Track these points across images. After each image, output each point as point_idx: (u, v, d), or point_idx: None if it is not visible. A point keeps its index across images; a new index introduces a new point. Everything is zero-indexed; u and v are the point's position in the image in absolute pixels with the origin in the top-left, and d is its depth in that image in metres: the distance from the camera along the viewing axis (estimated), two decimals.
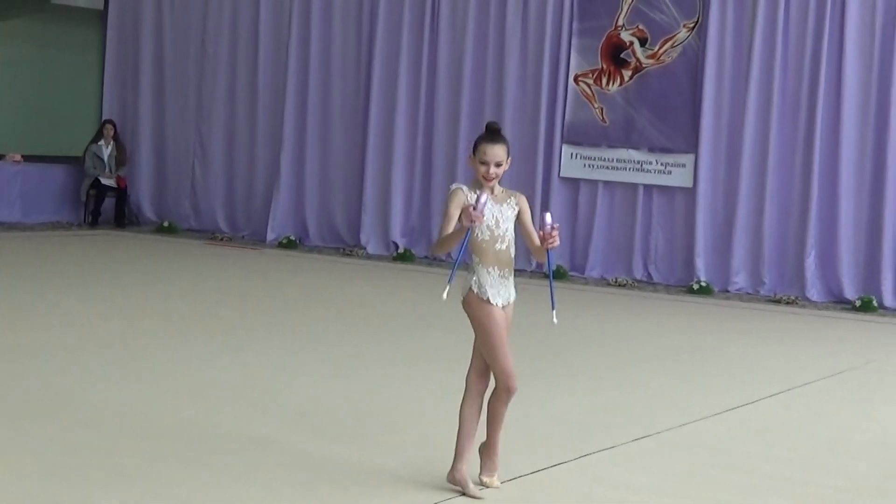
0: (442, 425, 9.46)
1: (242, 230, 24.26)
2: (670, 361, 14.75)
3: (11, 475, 8.17)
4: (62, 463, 8.59)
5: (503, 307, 8.36)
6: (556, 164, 22.02)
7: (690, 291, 20.70)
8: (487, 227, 8.26)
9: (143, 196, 25.13)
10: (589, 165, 21.85)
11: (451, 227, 8.20)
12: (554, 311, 8.78)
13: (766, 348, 16.05)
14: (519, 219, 8.45)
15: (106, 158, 24.48)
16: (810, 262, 20.44)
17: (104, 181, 24.54)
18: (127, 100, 25.37)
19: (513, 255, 8.42)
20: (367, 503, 8.12)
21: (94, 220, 24.59)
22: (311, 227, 23.71)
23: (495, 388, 8.41)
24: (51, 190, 24.76)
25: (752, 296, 20.61)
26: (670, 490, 9.35)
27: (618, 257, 21.72)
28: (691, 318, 18.30)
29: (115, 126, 24.77)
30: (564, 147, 21.99)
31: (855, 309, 19.81)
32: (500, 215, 8.32)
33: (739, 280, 20.89)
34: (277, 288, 18.66)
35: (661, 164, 21.38)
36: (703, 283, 20.75)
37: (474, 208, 7.95)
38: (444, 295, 8.30)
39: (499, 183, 8.39)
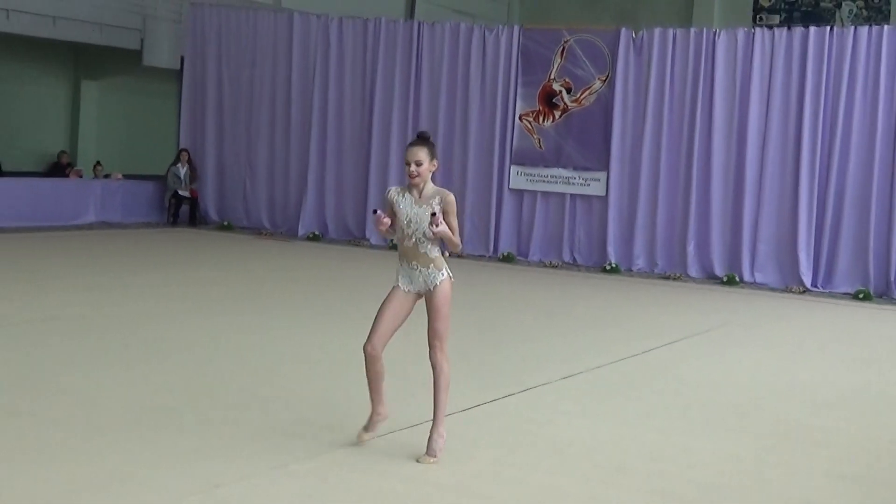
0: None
1: (280, 227, 24.18)
2: (589, 321, 14.74)
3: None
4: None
5: (407, 291, 7.62)
6: (507, 179, 21.99)
7: (604, 271, 20.68)
8: (400, 227, 7.52)
9: (209, 203, 25.02)
10: (530, 180, 21.81)
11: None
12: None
13: (658, 312, 16.05)
14: (445, 217, 7.45)
15: (182, 176, 24.38)
16: (690, 249, 20.49)
17: (181, 193, 24.46)
18: (196, 133, 25.24)
19: (424, 251, 7.56)
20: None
21: (174, 221, 24.51)
22: (330, 225, 23.66)
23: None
24: (143, 199, 24.69)
25: (648, 274, 20.61)
26: (591, 413, 9.34)
27: (551, 246, 21.70)
28: (604, 290, 18.29)
29: (188, 153, 24.68)
30: (512, 167, 21.95)
31: (722, 283, 19.84)
32: (413, 216, 7.48)
33: (639, 262, 20.90)
34: (306, 269, 18.59)
35: (583, 179, 21.35)
36: (613, 265, 20.73)
37: (376, 215, 7.41)
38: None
39: (433, 183, 7.57)
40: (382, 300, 7.70)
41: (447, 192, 7.59)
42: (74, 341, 11.14)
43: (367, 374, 7.74)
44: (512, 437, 8.45)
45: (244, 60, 24.63)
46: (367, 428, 7.88)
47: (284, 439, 7.91)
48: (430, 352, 7.71)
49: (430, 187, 7.54)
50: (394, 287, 7.68)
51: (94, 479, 6.82)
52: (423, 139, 7.56)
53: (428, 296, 7.66)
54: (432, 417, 7.79)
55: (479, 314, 14.61)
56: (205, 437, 7.84)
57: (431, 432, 7.71)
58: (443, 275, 7.67)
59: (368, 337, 7.60)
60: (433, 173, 7.57)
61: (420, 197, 7.53)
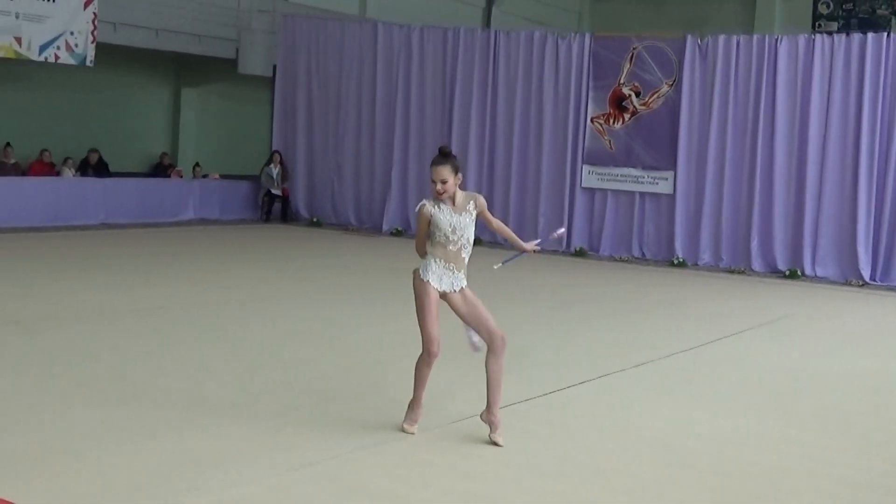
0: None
1: (366, 223, 24.23)
2: (659, 312, 14.61)
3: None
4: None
5: (441, 290, 7.52)
6: (579, 178, 21.85)
7: (671, 265, 20.50)
8: (445, 234, 7.46)
9: (300, 201, 25.12)
10: (601, 179, 21.66)
11: (423, 238, 7.60)
12: (502, 264, 8.16)
13: (724, 304, 15.88)
14: (481, 215, 7.61)
15: (275, 176, 24.50)
16: (754, 244, 20.25)
17: (274, 191, 24.58)
18: (288, 136, 25.35)
19: (463, 256, 7.54)
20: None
21: (267, 217, 24.64)
22: (412, 221, 23.65)
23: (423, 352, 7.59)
24: (239, 197, 24.86)
25: (713, 268, 20.39)
26: (662, 399, 9.26)
27: (621, 241, 21.55)
28: (672, 283, 18.12)
29: (280, 154, 24.80)
30: (584, 166, 21.81)
31: (784, 277, 19.59)
32: (457, 224, 7.48)
33: (705, 257, 20.68)
34: (391, 261, 18.61)
35: (651, 178, 21.18)
36: (680, 259, 20.54)
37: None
38: (496, 266, 8.19)
39: (462, 189, 7.59)
40: (419, 298, 7.55)
41: (476, 194, 7.64)
42: (178, 329, 11.22)
43: (424, 374, 7.70)
44: (586, 421, 8.38)
45: (332, 68, 24.70)
46: (413, 421, 7.77)
47: (376, 422, 7.89)
48: (491, 339, 7.64)
49: (460, 195, 7.55)
50: (425, 284, 7.55)
51: (194, 455, 6.85)
52: (444, 156, 7.52)
53: (454, 296, 7.60)
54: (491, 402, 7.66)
55: (554, 305, 14.55)
56: (300, 419, 7.85)
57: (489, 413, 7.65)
58: (465, 280, 7.64)
59: (431, 337, 7.52)
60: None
61: (455, 205, 7.52)
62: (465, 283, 7.63)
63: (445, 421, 8.03)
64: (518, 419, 8.23)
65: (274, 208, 24.79)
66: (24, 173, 21.90)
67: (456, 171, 7.50)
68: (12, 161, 21.91)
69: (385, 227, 23.65)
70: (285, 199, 24.83)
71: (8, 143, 21.98)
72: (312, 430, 7.61)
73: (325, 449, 7.17)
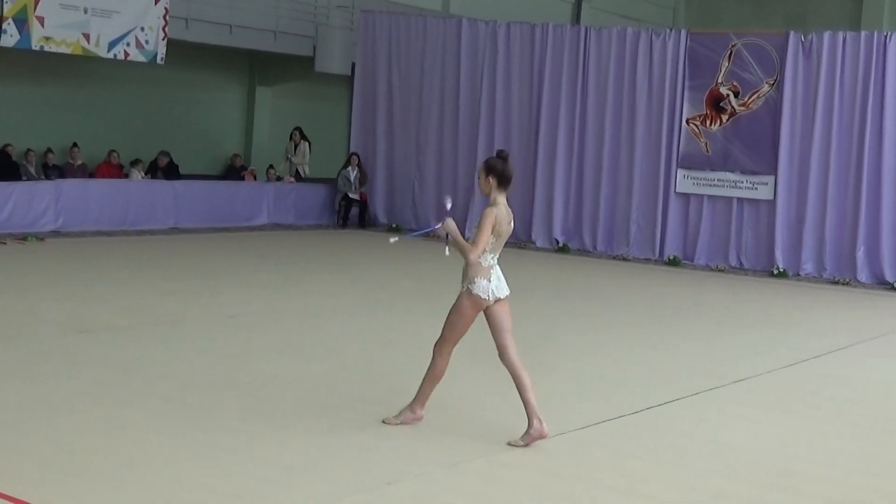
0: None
1: None
2: (757, 325, 14.46)
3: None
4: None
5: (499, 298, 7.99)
6: (673, 182, 21.72)
7: (771, 275, 20.28)
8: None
9: (378, 206, 25.22)
10: (697, 183, 21.50)
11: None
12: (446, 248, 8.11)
13: (828, 317, 15.71)
14: None
15: (352, 179, 24.61)
16: (860, 253, 20.00)
17: (351, 196, 24.70)
18: (367, 138, 25.46)
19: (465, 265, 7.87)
20: None
21: (343, 223, 24.77)
22: None
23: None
24: (314, 202, 25.00)
25: (816, 279, 20.15)
26: (761, 417, 9.17)
27: (718, 250, 21.36)
28: (772, 294, 17.94)
29: (358, 157, 24.91)
30: (679, 170, 21.67)
31: (893, 289, 19.31)
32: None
33: (808, 267, 20.44)
34: None
35: (750, 183, 20.98)
36: (781, 269, 20.32)
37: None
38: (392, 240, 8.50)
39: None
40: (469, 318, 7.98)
41: (490, 206, 7.86)
42: (248, 337, 11.32)
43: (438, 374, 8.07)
44: (682, 440, 8.32)
45: (413, 66, 24.78)
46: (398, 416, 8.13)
47: (455, 438, 7.90)
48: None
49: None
50: (481, 300, 7.90)
51: (267, 471, 6.90)
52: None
53: (502, 302, 7.98)
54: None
55: (645, 318, 14.47)
56: (377, 434, 7.88)
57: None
58: (463, 286, 7.86)
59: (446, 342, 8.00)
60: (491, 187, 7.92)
61: None
62: (463, 287, 7.94)
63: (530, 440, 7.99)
64: (608, 438, 8.19)
65: (351, 213, 24.90)
66: (91, 175, 22.20)
67: (478, 174, 8.00)
68: (79, 162, 22.23)
69: (467, 234, 23.58)
70: (363, 204, 24.93)
71: (75, 144, 22.31)
72: (395, 444, 7.63)
73: (411, 466, 7.18)
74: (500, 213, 7.82)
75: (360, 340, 11.46)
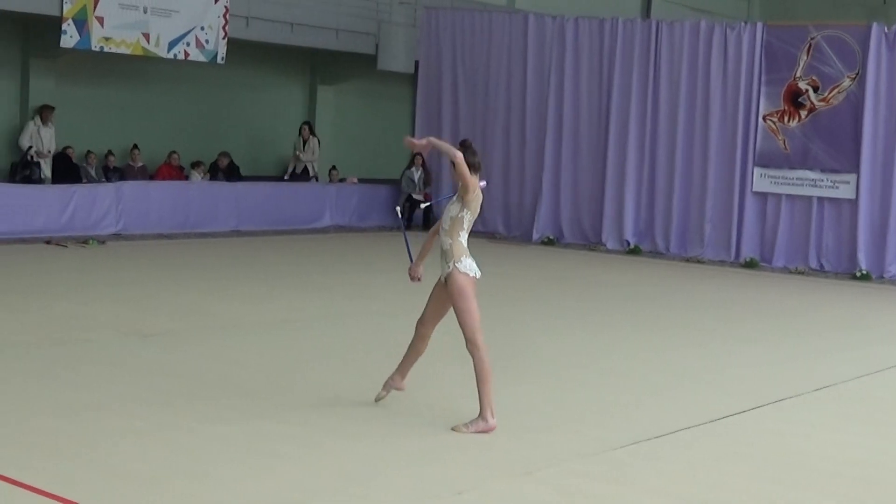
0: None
1: (514, 231, 24.21)
2: (840, 330, 14.33)
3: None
4: None
5: (442, 280, 8.44)
6: (750, 181, 21.54)
7: (853, 278, 20.07)
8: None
9: (444, 207, 25.16)
10: (775, 182, 21.31)
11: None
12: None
13: None
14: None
15: (416, 180, 24.65)
16: None
17: (415, 196, 24.71)
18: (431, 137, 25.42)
19: (441, 246, 8.39)
20: None
21: (408, 224, 24.75)
22: (565, 229, 23.59)
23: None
24: (377, 203, 25.05)
25: None
26: (844, 427, 9.07)
27: (797, 251, 21.16)
28: (855, 298, 17.75)
29: (423, 157, 24.91)
30: (756, 169, 21.50)
31: None
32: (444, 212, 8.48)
33: (892, 269, 20.25)
34: (541, 271, 18.59)
35: (831, 182, 20.78)
36: (864, 272, 20.10)
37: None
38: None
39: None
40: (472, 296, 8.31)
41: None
42: (304, 342, 11.37)
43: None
44: (760, 450, 8.23)
45: (479, 63, 24.78)
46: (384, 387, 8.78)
47: (524, 446, 7.87)
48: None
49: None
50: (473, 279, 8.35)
51: (329, 481, 6.91)
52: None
53: (445, 287, 8.37)
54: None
55: (721, 322, 14.36)
56: (445, 441, 7.87)
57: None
58: (449, 266, 8.28)
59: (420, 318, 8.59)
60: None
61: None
62: (448, 269, 8.34)
63: (600, 449, 7.95)
64: (682, 448, 8.13)
65: (415, 215, 24.91)
66: (151, 177, 22.38)
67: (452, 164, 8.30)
68: (139, 164, 22.42)
69: (535, 236, 23.60)
70: (427, 205, 24.94)
71: (135, 145, 22.49)
72: (464, 453, 7.62)
73: (481, 475, 7.17)
74: (479, 193, 8.34)
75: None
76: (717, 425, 8.88)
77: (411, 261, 8.96)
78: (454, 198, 8.43)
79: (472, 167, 8.29)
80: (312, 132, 24.92)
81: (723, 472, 7.62)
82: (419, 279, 8.89)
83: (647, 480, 7.31)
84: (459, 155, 8.21)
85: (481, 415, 8.17)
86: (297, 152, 24.84)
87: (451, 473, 7.18)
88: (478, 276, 8.35)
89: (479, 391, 8.20)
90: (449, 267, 8.28)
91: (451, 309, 8.36)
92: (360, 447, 7.64)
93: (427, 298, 8.61)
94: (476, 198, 8.34)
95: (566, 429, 8.41)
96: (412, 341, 8.69)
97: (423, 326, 8.60)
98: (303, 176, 24.64)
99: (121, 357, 10.18)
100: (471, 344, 8.22)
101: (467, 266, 8.27)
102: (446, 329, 8.89)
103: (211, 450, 7.39)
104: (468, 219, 8.36)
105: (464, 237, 8.35)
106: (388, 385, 8.76)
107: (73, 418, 7.97)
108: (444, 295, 8.38)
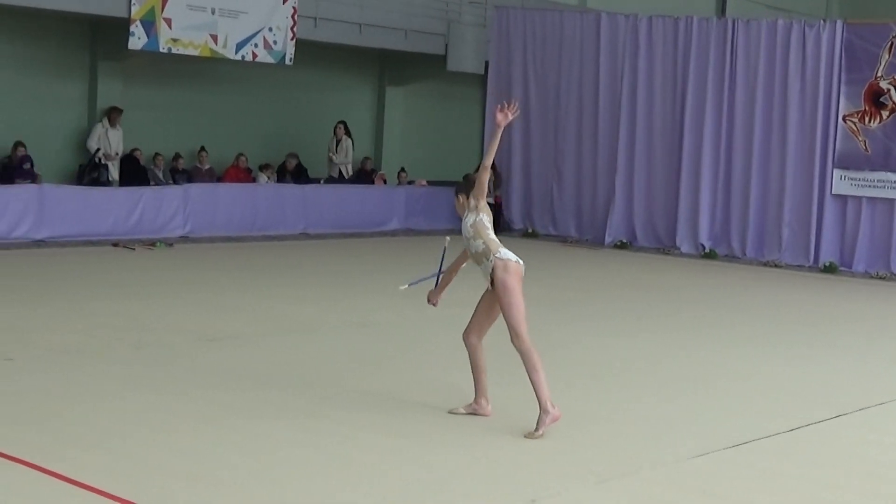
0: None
1: (587, 235, 24.13)
2: None
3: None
4: None
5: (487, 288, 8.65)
6: (829, 183, 21.32)
7: None
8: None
9: (514, 209, 25.22)
10: (855, 185, 21.07)
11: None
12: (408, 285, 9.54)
13: None
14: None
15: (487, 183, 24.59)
16: None
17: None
18: (502, 139, 25.34)
19: (474, 251, 8.69)
20: None
21: None
22: (639, 232, 23.49)
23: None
24: (447, 205, 24.94)
25: None
26: None
27: (878, 256, 20.89)
28: None
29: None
30: (835, 171, 21.27)
31: None
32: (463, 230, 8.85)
33: None
34: (614, 275, 18.52)
35: None
36: None
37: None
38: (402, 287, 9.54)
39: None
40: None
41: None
42: (378, 346, 11.40)
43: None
44: (842, 461, 8.15)
45: (550, 63, 24.74)
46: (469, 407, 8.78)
47: (600, 454, 7.84)
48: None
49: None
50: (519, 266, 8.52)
51: (404, 486, 6.92)
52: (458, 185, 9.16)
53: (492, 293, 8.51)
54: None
55: (800, 328, 14.23)
56: (518, 448, 7.86)
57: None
58: (490, 262, 8.47)
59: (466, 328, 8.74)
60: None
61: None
62: (489, 266, 8.53)
63: (675, 458, 7.91)
64: (760, 457, 8.07)
65: None
66: (219, 179, 22.56)
67: (457, 195, 9.16)
68: (207, 166, 22.60)
69: (608, 240, 23.52)
70: (498, 207, 24.92)
71: (202, 147, 22.69)
72: (538, 460, 7.60)
73: (555, 482, 7.15)
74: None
75: (497, 351, 11.42)
76: (798, 434, 8.79)
77: (436, 284, 9.24)
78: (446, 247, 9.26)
79: (472, 193, 8.97)
80: (347, 132, 24.51)
81: (811, 480, 7.55)
82: (435, 304, 9.18)
83: (727, 489, 7.26)
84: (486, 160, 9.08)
85: (542, 408, 8.21)
86: (330, 154, 24.51)
87: (523, 481, 7.16)
88: (521, 263, 8.50)
89: (532, 384, 8.27)
90: (490, 261, 8.45)
91: (501, 315, 8.48)
92: (436, 454, 7.64)
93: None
94: (486, 207, 8.89)
95: (640, 437, 8.36)
96: (470, 359, 8.72)
97: (469, 336, 8.70)
98: (340, 179, 24.35)
99: (187, 361, 10.26)
100: (515, 337, 8.30)
101: (506, 254, 8.46)
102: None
103: (284, 456, 7.42)
104: (487, 220, 8.72)
105: (492, 234, 8.66)
106: (472, 408, 8.75)
107: (137, 422, 8.03)
108: (492, 301, 8.52)
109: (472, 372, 8.72)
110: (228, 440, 7.70)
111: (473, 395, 8.75)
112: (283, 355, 10.76)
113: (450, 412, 8.72)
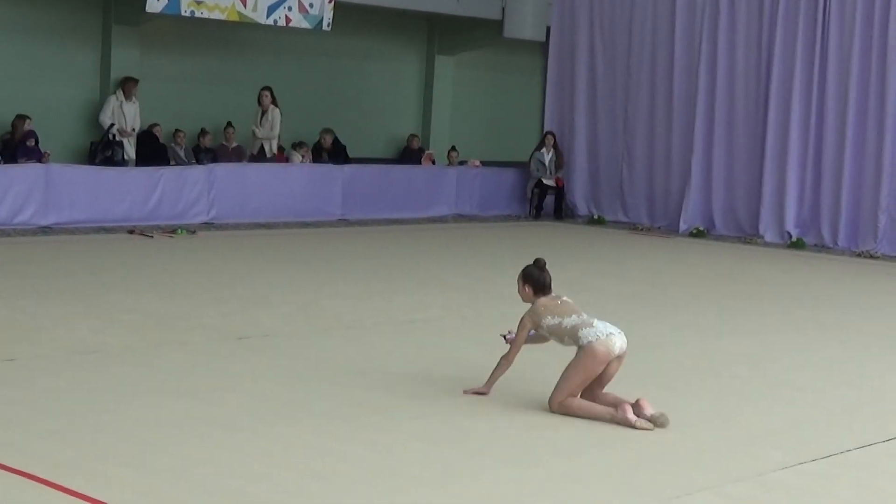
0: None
1: (660, 222, 24.06)
2: None
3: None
4: None
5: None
6: None
7: None
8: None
9: (578, 194, 25.18)
10: None
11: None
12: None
13: None
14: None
15: (547, 163, 24.62)
16: None
17: (546, 181, 24.69)
18: (564, 114, 25.44)
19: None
20: None
21: (537, 213, 24.78)
22: (718, 219, 23.41)
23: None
24: (503, 189, 25.07)
25: None
26: None
27: None
28: None
29: (554, 136, 24.90)
30: None
31: None
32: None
33: None
34: (691, 267, 18.44)
35: None
36: None
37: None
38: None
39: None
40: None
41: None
42: (431, 345, 11.41)
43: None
44: None
45: (620, 31, 24.67)
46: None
47: (673, 468, 7.80)
48: None
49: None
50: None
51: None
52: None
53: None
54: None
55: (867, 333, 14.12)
56: (585, 460, 7.83)
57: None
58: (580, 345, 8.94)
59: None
60: None
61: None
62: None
63: (751, 474, 7.87)
64: (851, 469, 8.03)
65: (545, 202, 24.88)
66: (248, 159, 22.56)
67: (522, 283, 9.48)
68: (234, 144, 22.64)
69: (683, 227, 23.44)
70: (560, 191, 24.89)
71: (229, 123, 22.72)
72: (601, 475, 7.59)
73: (625, 499, 7.13)
74: (538, 304, 9.20)
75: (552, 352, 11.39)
76: (891, 445, 8.74)
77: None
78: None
79: (540, 289, 9.33)
80: (274, 101, 22.59)
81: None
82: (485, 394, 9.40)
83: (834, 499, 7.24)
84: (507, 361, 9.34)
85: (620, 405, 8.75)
86: (253, 127, 22.74)
87: (587, 499, 7.14)
88: (613, 336, 8.90)
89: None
90: (579, 345, 8.95)
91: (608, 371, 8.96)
92: (490, 469, 7.63)
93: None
94: (539, 316, 9.15)
95: (718, 450, 8.31)
96: (583, 414, 8.90)
97: (560, 398, 8.99)
98: (259, 157, 22.72)
99: (224, 362, 10.27)
100: (552, 399, 8.94)
101: (586, 334, 8.89)
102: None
103: (325, 463, 7.43)
104: (550, 321, 9.08)
105: (566, 324, 8.99)
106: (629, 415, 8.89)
107: (160, 430, 8.03)
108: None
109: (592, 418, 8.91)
110: (258, 448, 7.69)
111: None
112: (323, 355, 10.73)
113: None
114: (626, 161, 24.62)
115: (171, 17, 21.01)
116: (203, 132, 22.35)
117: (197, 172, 20.61)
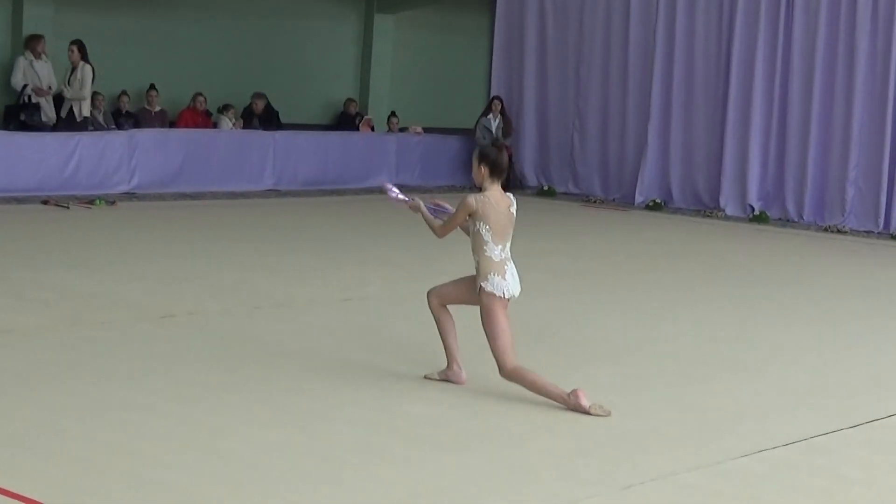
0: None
1: (614, 194, 24.14)
2: None
3: None
4: None
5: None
6: None
7: None
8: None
9: (527, 163, 25.23)
10: None
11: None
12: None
13: None
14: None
15: (494, 130, 24.62)
16: None
17: None
18: (512, 78, 25.47)
19: (475, 262, 9.13)
20: None
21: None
22: (675, 191, 23.49)
23: None
24: (446, 157, 25.06)
25: None
26: None
27: None
28: None
29: (502, 101, 24.90)
30: None
31: None
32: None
33: None
34: (647, 243, 18.52)
35: None
36: None
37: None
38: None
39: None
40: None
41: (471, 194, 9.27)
42: (368, 324, 11.43)
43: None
44: None
45: None
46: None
47: (629, 455, 7.87)
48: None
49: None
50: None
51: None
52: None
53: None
54: None
55: (869, 309, 14.24)
56: (539, 448, 7.88)
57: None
58: (478, 286, 9.01)
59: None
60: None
61: None
62: (477, 288, 9.09)
63: (723, 458, 7.94)
64: (817, 456, 8.13)
65: None
66: (172, 124, 22.49)
67: (478, 162, 9.37)
68: (157, 108, 22.54)
69: (638, 199, 23.51)
70: (508, 160, 24.86)
71: (152, 86, 22.60)
72: (557, 462, 7.64)
73: (576, 488, 7.18)
74: (490, 200, 9.07)
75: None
76: (862, 430, 8.82)
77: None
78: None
79: (495, 171, 9.32)
80: (84, 56, 20.51)
81: (872, 486, 7.59)
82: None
83: (778, 496, 7.32)
84: (438, 234, 9.69)
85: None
86: (62, 86, 20.80)
87: (541, 486, 7.19)
88: (507, 296, 8.98)
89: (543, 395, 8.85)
90: (477, 287, 9.00)
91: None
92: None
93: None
94: (485, 213, 9.05)
95: (679, 436, 8.38)
96: (436, 322, 9.37)
97: (433, 297, 9.42)
98: (69, 122, 20.55)
99: (137, 342, 10.27)
100: (502, 370, 8.90)
101: (494, 284, 8.93)
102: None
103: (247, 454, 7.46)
104: (486, 230, 9.02)
105: (491, 250, 9.00)
106: (445, 374, 9.38)
107: (77, 417, 8.02)
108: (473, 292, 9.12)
109: (440, 336, 9.34)
110: (185, 436, 7.70)
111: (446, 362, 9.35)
112: (253, 334, 10.78)
113: (425, 377, 9.39)
114: (578, 128, 24.65)
115: None
116: (122, 94, 22.19)
117: (117, 139, 20.43)
